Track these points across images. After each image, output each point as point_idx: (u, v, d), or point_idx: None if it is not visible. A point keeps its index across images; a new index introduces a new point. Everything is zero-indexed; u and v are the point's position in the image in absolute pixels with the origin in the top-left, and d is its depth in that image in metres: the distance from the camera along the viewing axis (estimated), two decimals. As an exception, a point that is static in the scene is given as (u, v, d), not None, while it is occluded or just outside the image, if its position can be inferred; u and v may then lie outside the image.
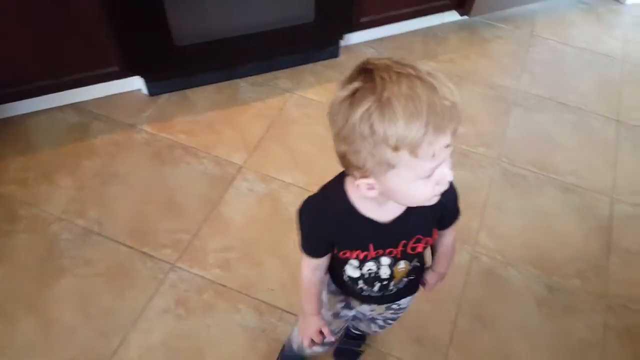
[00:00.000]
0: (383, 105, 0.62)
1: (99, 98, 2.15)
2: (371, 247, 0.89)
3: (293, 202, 1.85)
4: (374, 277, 0.96)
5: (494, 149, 2.12)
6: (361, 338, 1.52)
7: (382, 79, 0.63)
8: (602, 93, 2.43)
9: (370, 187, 0.73)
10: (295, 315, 1.59)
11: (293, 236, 1.72)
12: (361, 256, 0.90)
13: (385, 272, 0.95)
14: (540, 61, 2.54)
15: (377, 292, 1.00)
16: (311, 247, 0.93)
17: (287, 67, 2.33)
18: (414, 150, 0.64)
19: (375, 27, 2.41)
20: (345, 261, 0.94)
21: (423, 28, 2.59)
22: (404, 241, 0.90)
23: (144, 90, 2.17)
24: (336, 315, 1.17)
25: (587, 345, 1.62)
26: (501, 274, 1.76)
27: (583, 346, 1.62)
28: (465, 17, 2.55)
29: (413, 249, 0.92)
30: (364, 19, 2.28)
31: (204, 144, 2.03)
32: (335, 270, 1.01)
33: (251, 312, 1.61)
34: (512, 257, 1.80)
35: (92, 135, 2.03)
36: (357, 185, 0.73)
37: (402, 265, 0.95)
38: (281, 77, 2.31)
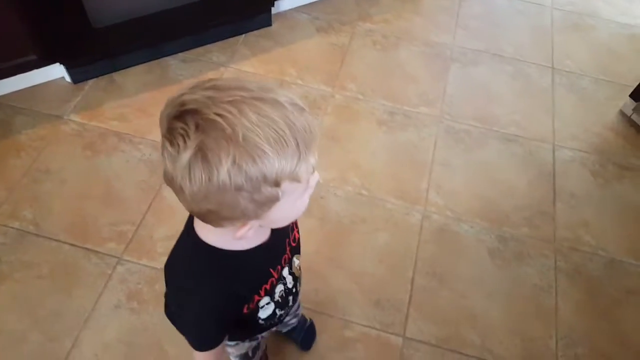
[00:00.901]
0: (246, 147, 0.54)
1: (20, 90, 2.00)
2: (272, 271, 0.82)
3: None
4: (286, 294, 0.89)
5: (435, 107, 2.12)
6: (297, 327, 1.46)
7: (222, 116, 0.54)
8: (536, 41, 2.46)
9: (253, 227, 0.65)
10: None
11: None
12: (268, 287, 0.82)
13: (290, 281, 0.88)
14: (474, 15, 2.55)
15: (292, 304, 0.94)
16: (217, 333, 0.81)
17: (218, 40, 2.23)
18: (295, 177, 0.59)
19: (308, -9, 2.35)
20: (255, 310, 0.84)
21: (357, -11, 2.55)
22: (287, 239, 0.85)
23: (67, 78, 2.04)
24: (254, 350, 1.11)
25: (540, 290, 1.67)
26: (453, 229, 1.78)
27: (537, 291, 1.67)
28: (397, -25, 2.53)
29: (294, 239, 0.87)
30: (292, -16, 2.22)
31: (139, 129, 1.93)
32: (245, 330, 0.93)
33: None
34: (462, 212, 1.82)
35: (16, 131, 1.89)
36: (239, 236, 0.65)
37: (296, 261, 0.90)
38: (213, 51, 2.21)
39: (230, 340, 0.99)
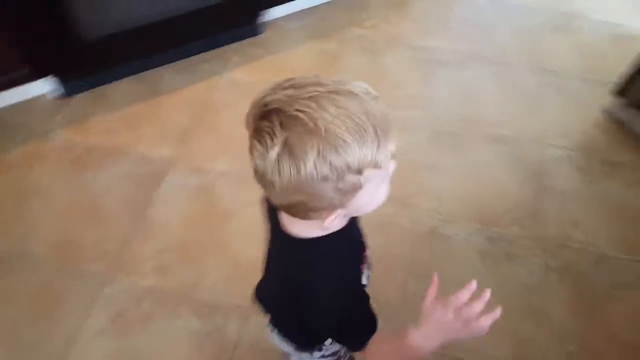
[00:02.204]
0: (329, 138, 0.58)
1: (5, 107, 2.00)
2: (361, 240, 0.88)
3: (228, 193, 1.80)
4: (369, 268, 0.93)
5: (424, 110, 2.14)
6: None
7: (303, 112, 0.58)
8: (522, 43, 2.49)
9: (339, 216, 0.68)
10: (243, 306, 1.55)
11: (231, 227, 1.71)
12: (364, 254, 0.88)
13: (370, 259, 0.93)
14: (461, 18, 2.58)
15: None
16: (369, 306, 0.79)
17: (210, 49, 2.24)
18: (376, 164, 0.62)
19: (298, -1, 2.37)
20: (360, 277, 0.87)
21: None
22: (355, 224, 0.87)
23: (56, 92, 2.04)
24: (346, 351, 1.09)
25: (531, 289, 1.68)
26: (443, 232, 1.79)
27: (528, 290, 1.68)
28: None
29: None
30: (282, -8, 2.24)
31: (127, 142, 1.93)
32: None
33: (194, 316, 1.55)
34: (452, 214, 1.83)
35: (3, 149, 1.89)
36: (327, 226, 0.68)
37: (368, 251, 0.92)
38: (206, 61, 2.23)
39: None
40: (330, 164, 0.59)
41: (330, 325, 0.79)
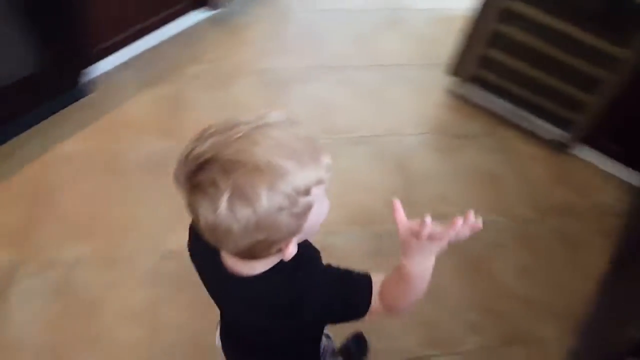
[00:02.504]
0: (272, 171, 0.59)
1: None
2: None
3: (91, 279, 1.62)
4: None
5: (283, 130, 2.15)
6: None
7: (239, 153, 0.59)
8: (358, 46, 2.60)
9: (293, 244, 0.69)
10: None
11: (104, 316, 1.52)
12: None
13: None
14: (297, 34, 2.63)
15: None
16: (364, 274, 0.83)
17: (32, 126, 1.96)
18: (319, 180, 0.65)
19: (125, 48, 2.23)
20: None
21: (179, 33, 2.49)
22: None
23: None
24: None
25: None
26: (330, 242, 1.78)
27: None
28: (215, 10, 2.54)
29: None
30: (104, 45, 2.10)
31: None
32: None
33: None
34: (334, 224, 1.84)
35: None
36: (288, 255, 0.69)
37: None
38: (28, 141, 1.93)
39: None
40: (282, 193, 0.60)
41: (336, 312, 0.81)
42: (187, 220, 0.71)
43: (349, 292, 0.81)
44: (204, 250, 0.75)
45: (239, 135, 0.60)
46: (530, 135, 2.23)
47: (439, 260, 0.75)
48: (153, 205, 1.79)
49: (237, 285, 0.77)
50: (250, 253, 0.68)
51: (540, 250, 1.88)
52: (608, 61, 1.89)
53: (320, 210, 0.68)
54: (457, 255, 1.77)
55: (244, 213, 0.59)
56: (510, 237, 1.89)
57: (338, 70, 2.45)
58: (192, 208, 0.63)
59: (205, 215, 0.61)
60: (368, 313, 0.81)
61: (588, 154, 2.16)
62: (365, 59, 2.52)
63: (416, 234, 0.70)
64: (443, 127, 2.23)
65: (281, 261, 0.72)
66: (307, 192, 0.63)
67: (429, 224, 0.68)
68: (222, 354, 1.04)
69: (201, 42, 2.49)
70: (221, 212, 0.59)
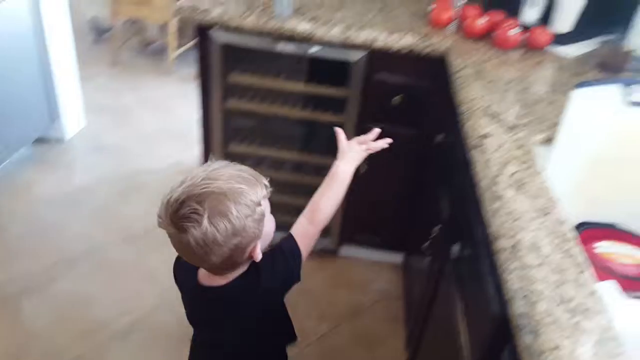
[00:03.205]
0: (234, 193, 0.87)
1: None
2: None
3: None
4: None
5: None
6: None
7: (207, 187, 0.86)
8: (100, 222, 2.41)
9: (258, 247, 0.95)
10: None
11: None
12: None
13: None
14: (22, 234, 2.30)
15: None
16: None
17: None
18: (265, 195, 0.93)
19: None
20: None
21: None
22: None
23: None
24: None
25: None
26: None
27: None
28: None
29: None
30: None
31: None
32: None
33: None
34: None
35: None
36: (257, 255, 0.94)
37: None
38: None
39: None
40: (244, 205, 0.87)
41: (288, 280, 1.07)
42: None
43: (290, 262, 1.06)
44: (185, 274, 1.04)
45: (200, 178, 0.87)
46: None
47: None
48: None
49: (215, 293, 0.99)
50: (231, 261, 0.92)
51: (346, 360, 1.86)
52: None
53: (270, 219, 0.97)
54: None
55: (222, 224, 0.85)
56: (315, 358, 1.85)
57: (86, 256, 2.21)
58: (179, 237, 0.86)
59: (194, 234, 0.84)
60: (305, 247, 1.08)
61: (354, 251, 2.30)
62: (113, 235, 2.33)
63: (358, 140, 1.17)
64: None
65: (248, 268, 0.99)
66: (259, 203, 0.91)
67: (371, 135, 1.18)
68: None
69: None
70: (206, 228, 0.84)
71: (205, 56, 1.83)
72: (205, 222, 0.83)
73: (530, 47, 1.65)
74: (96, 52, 3.91)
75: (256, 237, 0.91)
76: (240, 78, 1.93)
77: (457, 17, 1.74)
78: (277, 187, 1.79)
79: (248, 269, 0.98)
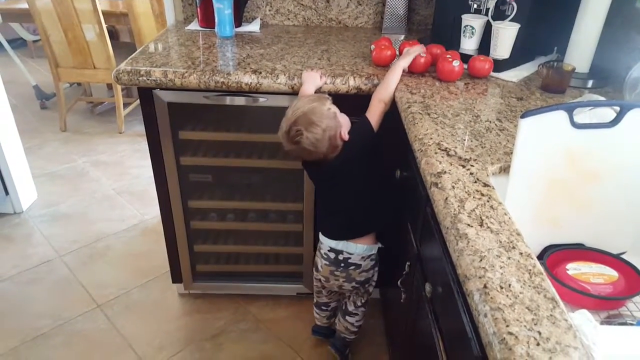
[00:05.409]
0: (311, 110, 1.49)
1: None
2: None
3: None
4: None
5: None
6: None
7: (295, 116, 1.50)
8: (67, 295, 2.31)
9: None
10: None
11: None
12: None
13: None
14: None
15: None
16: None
17: None
18: (330, 101, 1.56)
19: None
20: None
21: None
22: None
23: None
24: None
25: None
26: None
27: None
28: None
29: None
30: None
31: None
32: None
33: None
34: None
35: None
36: (345, 136, 1.54)
37: None
38: None
39: None
40: (320, 113, 1.48)
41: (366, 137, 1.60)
42: None
43: (362, 127, 1.59)
44: (311, 166, 1.65)
45: (291, 112, 1.51)
46: (277, 298, 2.26)
47: None
48: None
49: (334, 161, 1.56)
50: (332, 146, 1.52)
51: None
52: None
53: (341, 115, 1.55)
54: None
55: (315, 129, 1.47)
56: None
57: (54, 331, 2.10)
58: (299, 148, 1.51)
59: (304, 142, 1.48)
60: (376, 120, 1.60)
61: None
62: (81, 306, 2.24)
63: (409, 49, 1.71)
64: (192, 336, 2.08)
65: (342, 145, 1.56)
66: (329, 108, 1.51)
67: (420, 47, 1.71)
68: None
69: None
70: (307, 136, 1.47)
71: (152, 115, 1.80)
72: (305, 133, 1.46)
73: (473, 75, 1.69)
74: (44, 119, 3.83)
75: (337, 126, 1.50)
76: (191, 134, 1.91)
77: (398, 55, 1.78)
78: (244, 237, 1.70)
79: (343, 145, 1.55)
